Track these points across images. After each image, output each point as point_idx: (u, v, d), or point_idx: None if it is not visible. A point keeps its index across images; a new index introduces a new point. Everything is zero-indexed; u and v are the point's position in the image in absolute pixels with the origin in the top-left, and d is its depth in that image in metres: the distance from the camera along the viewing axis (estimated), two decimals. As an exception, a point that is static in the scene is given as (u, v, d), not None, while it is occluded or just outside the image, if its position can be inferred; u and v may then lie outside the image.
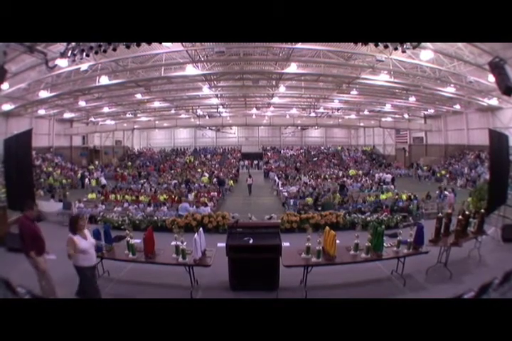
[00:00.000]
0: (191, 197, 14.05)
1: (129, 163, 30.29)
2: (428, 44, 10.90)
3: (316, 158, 31.84)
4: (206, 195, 15.69)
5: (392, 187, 18.10)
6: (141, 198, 14.49)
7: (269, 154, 34.48)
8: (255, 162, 32.63)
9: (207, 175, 22.69)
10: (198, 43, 11.64)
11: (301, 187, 17.16)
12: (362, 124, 30.01)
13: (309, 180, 19.68)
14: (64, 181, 20.96)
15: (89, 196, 15.03)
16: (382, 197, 14.25)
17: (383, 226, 5.54)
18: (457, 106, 22.04)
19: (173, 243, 4.76)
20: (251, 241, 4.79)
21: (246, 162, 32.61)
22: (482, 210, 6.15)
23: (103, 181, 20.56)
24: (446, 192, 12.78)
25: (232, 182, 21.14)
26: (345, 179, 20.40)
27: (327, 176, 22.04)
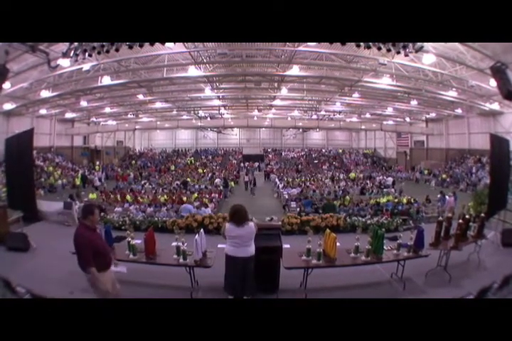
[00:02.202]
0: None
1: (133, 162, 30.35)
2: (430, 48, 10.91)
3: (317, 161, 31.87)
4: (207, 196, 15.70)
5: (393, 190, 18.12)
6: (142, 199, 14.50)
7: (270, 156, 34.52)
8: (256, 164, 32.54)
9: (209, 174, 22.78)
10: (200, 45, 11.67)
11: (303, 189, 17.20)
12: (363, 127, 30.05)
13: (310, 183, 19.71)
14: (64, 181, 20.99)
15: (90, 196, 15.07)
16: (383, 200, 14.23)
17: (383, 230, 5.54)
18: (459, 111, 22.05)
19: (174, 244, 4.75)
20: (251, 243, 4.77)
21: (247, 164, 32.51)
22: (482, 214, 6.14)
23: (97, 182, 20.61)
24: (446, 197, 12.75)
25: (232, 183, 21.20)
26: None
27: (327, 179, 22.06)
